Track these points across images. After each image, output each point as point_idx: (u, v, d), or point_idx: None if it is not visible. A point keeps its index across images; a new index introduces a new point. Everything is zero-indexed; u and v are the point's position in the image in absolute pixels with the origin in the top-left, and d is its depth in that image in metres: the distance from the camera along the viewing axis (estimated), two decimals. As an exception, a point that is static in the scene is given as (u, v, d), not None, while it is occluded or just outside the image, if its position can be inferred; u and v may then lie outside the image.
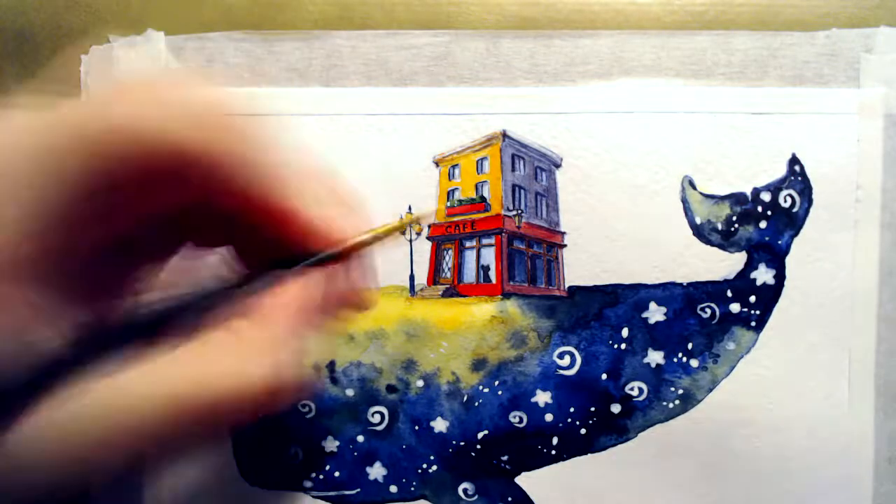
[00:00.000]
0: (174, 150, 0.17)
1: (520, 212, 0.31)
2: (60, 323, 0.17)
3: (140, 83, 0.18)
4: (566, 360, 0.30)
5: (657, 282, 0.30)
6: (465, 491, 0.31)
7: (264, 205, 0.19)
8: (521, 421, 0.30)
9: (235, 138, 0.18)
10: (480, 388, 0.30)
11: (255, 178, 0.19)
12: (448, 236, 0.31)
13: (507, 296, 0.31)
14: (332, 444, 0.31)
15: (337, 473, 0.31)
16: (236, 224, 0.20)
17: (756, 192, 0.30)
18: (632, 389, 0.30)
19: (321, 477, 0.31)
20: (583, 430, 0.30)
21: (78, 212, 0.16)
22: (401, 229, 0.28)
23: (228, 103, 0.18)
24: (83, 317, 0.17)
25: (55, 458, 0.17)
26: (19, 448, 0.16)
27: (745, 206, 0.30)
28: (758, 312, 0.30)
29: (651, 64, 0.30)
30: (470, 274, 0.31)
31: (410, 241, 0.31)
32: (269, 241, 0.20)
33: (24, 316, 0.16)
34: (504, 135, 0.30)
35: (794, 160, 0.30)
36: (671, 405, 0.30)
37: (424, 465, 0.31)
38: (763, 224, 0.30)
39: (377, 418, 0.31)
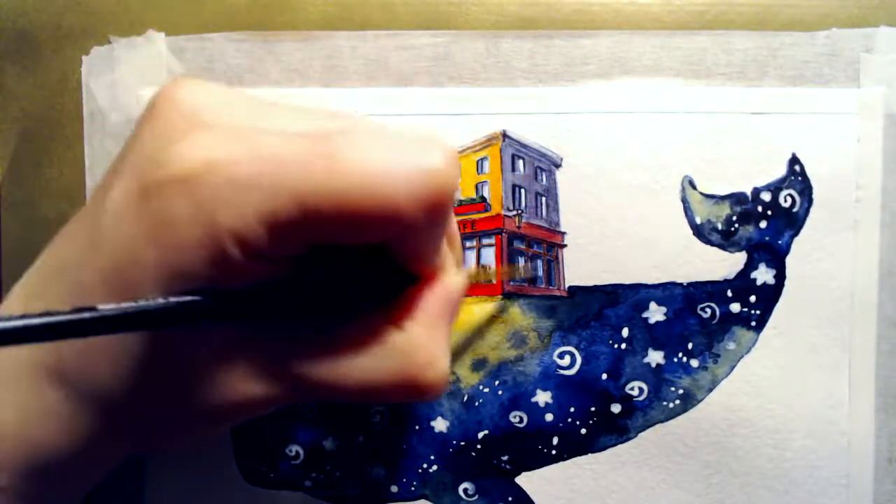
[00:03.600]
0: (390, 210, 0.18)
1: (520, 212, 0.31)
2: None
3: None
4: (566, 360, 0.30)
5: (657, 282, 0.30)
6: (465, 491, 0.31)
7: (419, 252, 0.21)
8: (521, 421, 0.30)
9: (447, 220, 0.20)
10: (481, 387, 0.30)
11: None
12: (448, 236, 0.31)
13: (507, 296, 0.31)
14: (332, 444, 0.31)
15: (337, 473, 0.31)
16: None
17: (756, 192, 0.30)
18: (632, 389, 0.30)
19: (321, 477, 0.31)
20: (583, 430, 0.30)
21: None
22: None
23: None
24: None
25: None
26: None
27: (745, 206, 0.30)
28: (758, 312, 0.30)
29: (651, 64, 0.30)
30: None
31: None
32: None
33: None
34: (504, 135, 0.30)
35: (794, 160, 0.30)
36: (671, 405, 0.30)
37: (425, 465, 0.31)
38: (763, 224, 0.30)
39: (377, 418, 0.31)
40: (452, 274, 0.22)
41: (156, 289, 0.18)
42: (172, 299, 0.17)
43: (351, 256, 0.20)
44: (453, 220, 0.25)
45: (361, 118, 0.22)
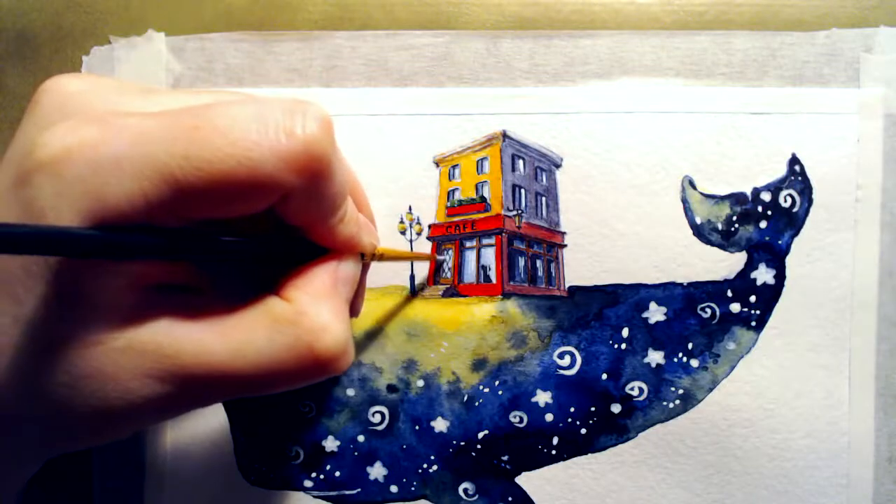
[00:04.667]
0: (263, 177, 0.18)
1: (520, 212, 0.31)
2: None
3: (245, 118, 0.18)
4: (566, 360, 0.30)
5: (657, 282, 0.30)
6: (465, 491, 0.31)
7: (314, 220, 0.20)
8: (521, 421, 0.30)
9: (333, 184, 0.19)
10: (481, 387, 0.30)
11: (328, 208, 0.20)
12: (448, 236, 0.31)
13: (507, 296, 0.31)
14: (332, 444, 0.31)
15: (337, 473, 0.31)
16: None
17: (756, 192, 0.30)
18: (632, 389, 0.30)
19: (321, 477, 0.31)
20: (583, 430, 0.30)
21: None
22: (431, 259, 0.29)
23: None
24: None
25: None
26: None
27: (745, 206, 0.30)
28: (758, 312, 0.30)
29: (651, 64, 0.30)
30: (470, 274, 0.31)
31: (411, 241, 0.31)
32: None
33: None
34: (504, 135, 0.30)
35: (794, 160, 0.30)
36: (671, 405, 0.30)
37: (425, 465, 0.31)
38: (763, 224, 0.30)
39: (377, 418, 0.31)
40: (357, 248, 0.22)
41: (29, 277, 0.18)
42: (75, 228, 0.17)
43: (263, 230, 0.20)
44: (357, 202, 0.24)
45: (232, 92, 0.22)
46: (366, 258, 0.23)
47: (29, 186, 0.17)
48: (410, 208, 0.30)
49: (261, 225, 0.21)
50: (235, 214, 0.19)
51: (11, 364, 0.18)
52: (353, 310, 0.26)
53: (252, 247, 0.20)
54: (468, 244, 0.31)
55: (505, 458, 0.31)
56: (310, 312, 0.20)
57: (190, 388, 0.19)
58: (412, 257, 0.30)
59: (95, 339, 0.18)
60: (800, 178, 0.30)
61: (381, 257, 0.25)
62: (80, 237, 0.16)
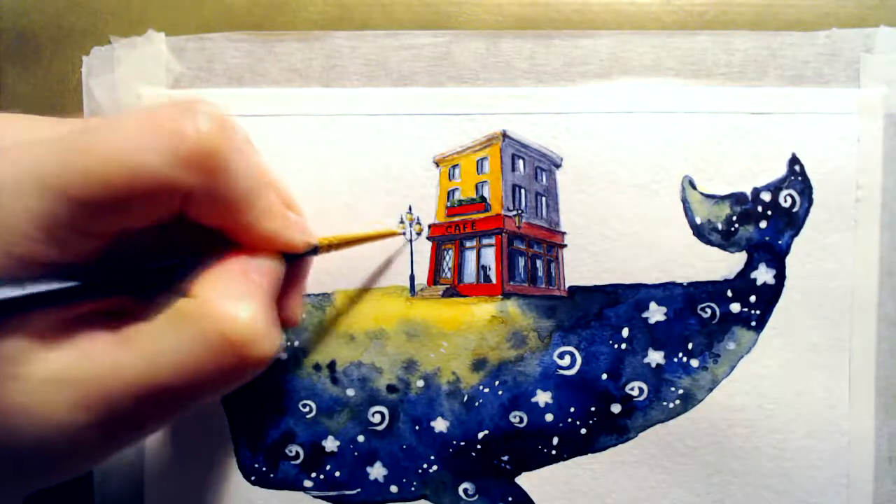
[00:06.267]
0: (176, 190, 0.18)
1: (520, 212, 0.31)
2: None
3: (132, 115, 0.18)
4: (566, 360, 0.30)
5: (657, 282, 0.30)
6: (465, 491, 0.31)
7: (232, 223, 0.20)
8: (521, 421, 0.30)
9: (229, 178, 0.19)
10: (481, 387, 0.30)
11: (234, 203, 0.20)
12: (448, 236, 0.31)
13: (507, 296, 0.31)
14: (332, 444, 0.31)
15: (337, 473, 0.31)
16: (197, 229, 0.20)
17: (756, 192, 0.30)
18: (632, 389, 0.30)
19: (321, 477, 0.31)
20: (583, 430, 0.30)
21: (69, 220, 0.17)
22: (386, 237, 0.29)
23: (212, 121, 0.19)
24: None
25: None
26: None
27: (745, 206, 0.30)
28: (758, 312, 0.30)
29: (651, 64, 0.30)
30: (470, 274, 0.31)
31: (411, 241, 0.31)
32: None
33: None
34: (504, 135, 0.30)
35: (794, 160, 0.30)
36: (671, 405, 0.30)
37: (425, 465, 0.31)
38: (763, 224, 0.30)
39: (377, 418, 0.31)
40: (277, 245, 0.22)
41: None
42: None
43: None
44: (285, 202, 0.23)
45: (115, 115, 0.22)
46: (301, 253, 0.23)
47: None
48: (410, 208, 0.30)
49: (189, 233, 0.20)
50: (143, 222, 0.18)
51: None
52: (291, 312, 0.25)
53: (159, 269, 0.20)
54: (468, 244, 0.31)
55: (505, 458, 0.31)
56: (214, 301, 0.19)
57: (118, 409, 0.18)
58: (364, 238, 0.29)
59: (13, 373, 0.18)
60: (800, 178, 0.30)
61: (329, 248, 0.24)
62: None
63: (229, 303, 0.19)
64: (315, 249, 0.24)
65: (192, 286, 0.20)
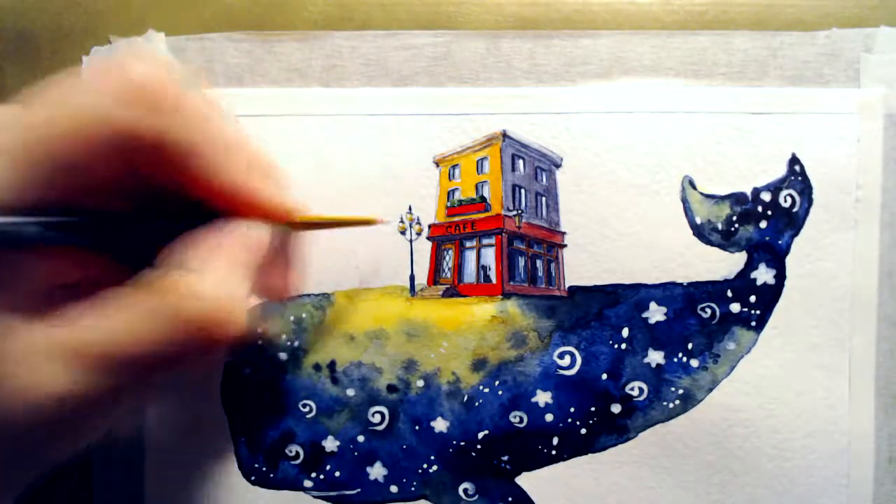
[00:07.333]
0: (123, 131, 0.18)
1: (520, 212, 0.31)
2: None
3: (101, 71, 0.19)
4: (566, 360, 0.30)
5: (657, 282, 0.30)
6: (465, 491, 0.31)
7: (201, 180, 0.20)
8: (521, 421, 0.30)
9: (178, 120, 0.19)
10: (481, 388, 0.30)
11: (194, 154, 0.20)
12: (448, 236, 0.31)
13: (507, 296, 0.31)
14: (332, 444, 0.31)
15: (337, 473, 0.31)
16: (173, 194, 0.20)
17: (756, 192, 0.30)
18: (632, 389, 0.30)
19: (321, 477, 0.31)
20: (583, 430, 0.30)
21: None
22: (365, 224, 0.28)
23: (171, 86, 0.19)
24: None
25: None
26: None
27: (745, 206, 0.30)
28: (758, 312, 0.30)
29: (651, 64, 0.30)
30: (470, 274, 0.31)
31: (410, 241, 0.31)
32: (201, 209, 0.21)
33: None
34: (504, 135, 0.30)
35: (794, 160, 0.30)
36: (671, 405, 0.30)
37: (425, 465, 0.31)
38: (763, 224, 0.30)
39: (377, 418, 0.31)
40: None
41: None
42: None
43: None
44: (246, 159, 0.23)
45: None
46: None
47: None
48: (410, 208, 0.30)
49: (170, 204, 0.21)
50: (104, 175, 0.19)
51: None
52: (285, 284, 0.25)
53: (139, 220, 0.20)
54: (468, 244, 0.31)
55: (505, 458, 0.31)
56: (174, 274, 0.19)
57: (95, 374, 0.18)
58: (342, 222, 0.27)
59: (4, 343, 0.18)
60: (800, 178, 0.30)
61: (308, 225, 0.24)
62: None
63: (189, 276, 0.19)
64: (291, 225, 0.24)
65: (159, 254, 0.20)
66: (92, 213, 0.20)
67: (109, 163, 0.19)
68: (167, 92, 0.19)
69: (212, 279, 0.19)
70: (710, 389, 0.30)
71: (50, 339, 0.18)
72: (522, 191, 0.31)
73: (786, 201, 0.30)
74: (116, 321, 0.19)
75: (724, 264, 0.30)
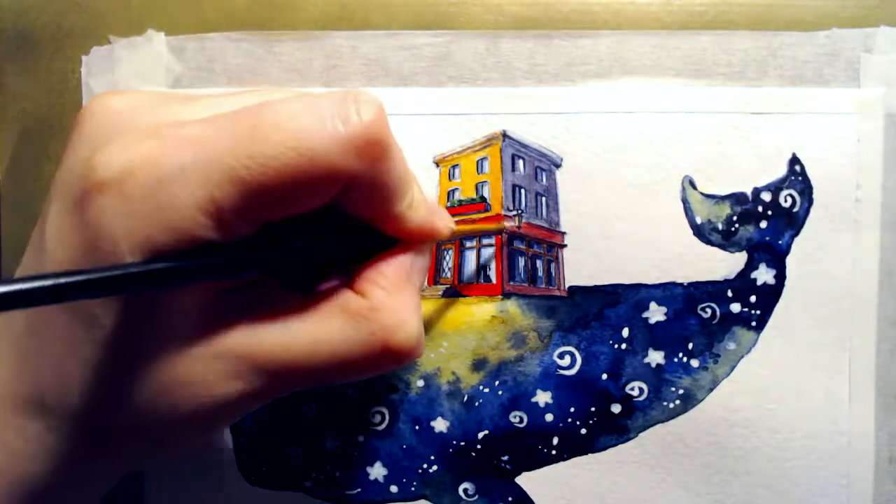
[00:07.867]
0: (345, 178, 0.18)
1: (520, 212, 0.31)
2: None
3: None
4: (566, 360, 0.30)
5: (657, 282, 0.30)
6: (465, 491, 0.31)
7: (397, 220, 0.21)
8: (521, 421, 0.30)
9: (390, 165, 0.20)
10: (481, 387, 0.30)
11: (396, 195, 0.20)
12: (448, 236, 0.31)
13: (507, 296, 0.31)
14: (332, 444, 0.31)
15: (337, 473, 0.31)
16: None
17: (756, 192, 0.30)
18: (632, 389, 0.30)
19: (321, 477, 0.31)
20: (583, 430, 0.30)
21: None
22: (495, 231, 0.30)
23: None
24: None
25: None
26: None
27: (745, 206, 0.30)
28: (758, 312, 0.30)
29: (651, 64, 0.30)
30: (470, 274, 0.31)
31: (410, 241, 0.31)
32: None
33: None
34: (504, 135, 0.30)
35: (794, 160, 0.30)
36: (671, 405, 0.30)
37: (425, 465, 0.31)
38: (763, 224, 0.30)
39: (377, 418, 0.31)
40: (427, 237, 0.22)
41: (101, 307, 0.18)
42: (150, 263, 0.17)
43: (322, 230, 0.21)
44: (412, 184, 0.24)
45: (273, 89, 0.22)
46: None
47: (91, 209, 0.17)
48: (410, 208, 0.30)
49: (325, 222, 0.21)
50: (302, 209, 0.19)
51: (95, 381, 0.19)
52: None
53: (320, 248, 0.20)
54: (468, 244, 0.31)
55: (505, 458, 0.31)
56: (384, 308, 0.20)
57: (270, 383, 0.19)
58: (477, 231, 0.30)
59: (175, 349, 0.18)
60: (800, 178, 0.30)
61: (453, 234, 0.25)
62: (144, 273, 0.16)
63: (398, 314, 0.20)
64: (455, 233, 0.25)
65: (358, 280, 0.21)
66: (278, 238, 0.20)
67: (317, 199, 0.19)
68: (389, 141, 0.19)
69: (415, 319, 0.21)
70: (711, 389, 0.30)
71: (229, 349, 0.19)
72: (522, 191, 0.31)
73: (786, 201, 0.30)
74: (320, 343, 0.20)
75: (724, 264, 0.30)
